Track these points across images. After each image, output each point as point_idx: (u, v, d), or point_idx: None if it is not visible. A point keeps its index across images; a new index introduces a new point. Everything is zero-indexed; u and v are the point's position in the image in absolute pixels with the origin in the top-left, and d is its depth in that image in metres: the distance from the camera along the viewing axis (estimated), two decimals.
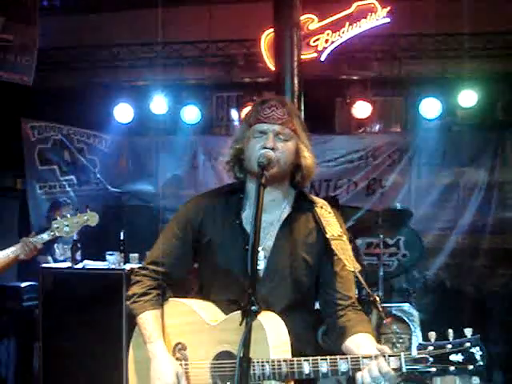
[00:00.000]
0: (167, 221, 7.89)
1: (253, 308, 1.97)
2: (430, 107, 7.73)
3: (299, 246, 2.45)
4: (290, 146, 2.43)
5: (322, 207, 2.52)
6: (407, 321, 5.52)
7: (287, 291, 2.42)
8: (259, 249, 2.39)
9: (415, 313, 5.59)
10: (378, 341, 2.24)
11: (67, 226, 4.03)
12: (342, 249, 2.41)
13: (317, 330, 2.57)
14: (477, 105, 7.63)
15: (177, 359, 2.42)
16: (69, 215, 4.06)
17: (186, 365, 2.40)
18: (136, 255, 5.62)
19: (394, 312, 5.60)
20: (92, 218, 4.16)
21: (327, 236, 2.41)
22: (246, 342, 1.94)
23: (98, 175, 8.16)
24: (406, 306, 5.69)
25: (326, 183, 7.91)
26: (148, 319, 2.46)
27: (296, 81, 5.59)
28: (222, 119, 8.62)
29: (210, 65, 8.33)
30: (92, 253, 5.68)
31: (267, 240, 2.45)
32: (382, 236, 6.60)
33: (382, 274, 6.32)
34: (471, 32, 7.65)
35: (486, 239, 7.87)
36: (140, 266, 2.69)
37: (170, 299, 2.55)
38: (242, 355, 1.94)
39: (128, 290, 2.59)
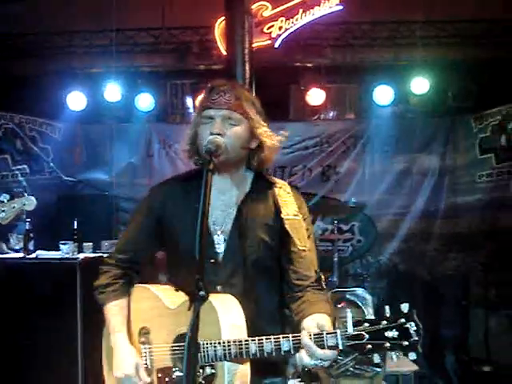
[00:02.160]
0: (122, 209, 7.85)
1: (200, 293, 1.98)
2: (383, 94, 7.82)
3: (258, 228, 2.46)
4: (239, 131, 2.43)
5: (281, 188, 2.55)
6: (360, 305, 5.60)
7: (248, 274, 2.43)
8: (218, 232, 2.46)
9: (368, 297, 5.68)
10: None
11: (3, 211, 3.94)
12: (296, 228, 2.44)
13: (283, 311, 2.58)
14: (429, 92, 7.73)
15: (142, 343, 2.46)
16: (5, 200, 3.97)
17: (149, 348, 2.44)
18: (90, 244, 5.58)
19: (347, 296, 5.68)
20: (29, 203, 4.04)
21: (282, 216, 2.44)
22: (193, 327, 1.96)
23: (52, 164, 8.04)
24: (360, 291, 5.77)
25: (281, 170, 7.94)
26: (112, 310, 2.50)
27: (248, 68, 5.60)
28: (176, 107, 8.55)
29: (163, 52, 8.25)
30: (45, 243, 5.62)
31: (227, 223, 2.47)
32: (336, 222, 6.70)
33: (336, 259, 6.43)
34: (423, 20, 7.75)
35: (438, 224, 8.01)
36: (107, 255, 2.72)
37: (136, 285, 2.58)
38: (189, 340, 1.95)
39: (97, 279, 2.61)
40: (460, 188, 8.05)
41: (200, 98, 2.58)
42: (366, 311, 5.52)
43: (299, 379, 4.93)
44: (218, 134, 2.36)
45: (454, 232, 7.94)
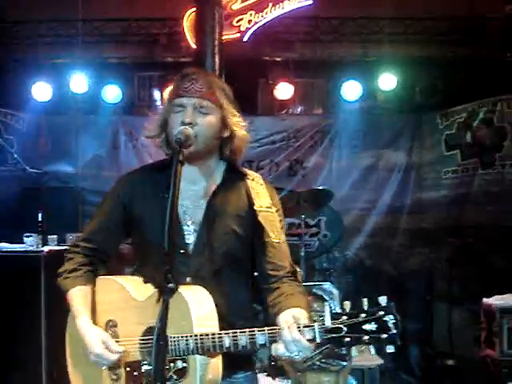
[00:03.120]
0: (88, 202, 7.74)
1: (169, 285, 1.95)
2: (351, 90, 7.86)
3: (229, 219, 2.43)
4: (210, 120, 2.38)
5: (253, 179, 2.52)
6: (327, 299, 5.62)
7: (219, 265, 2.40)
8: (189, 222, 2.42)
9: (335, 291, 5.70)
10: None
11: None
12: (270, 220, 2.41)
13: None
14: (396, 88, 7.80)
15: None
16: None
17: (117, 341, 2.37)
18: (55, 237, 5.49)
19: (314, 291, 5.69)
20: None
21: (255, 208, 2.41)
22: (162, 320, 1.93)
23: (16, 155, 7.90)
24: (327, 285, 5.79)
25: (248, 164, 7.89)
26: (76, 295, 2.44)
27: (217, 60, 5.58)
28: (143, 99, 8.49)
29: (131, 43, 8.19)
30: (9, 235, 5.53)
31: (197, 213, 2.43)
32: (303, 216, 6.69)
33: (303, 254, 6.42)
34: (392, 17, 7.81)
35: (403, 219, 8.08)
36: (73, 242, 2.66)
37: (102, 277, 2.53)
38: (158, 333, 1.93)
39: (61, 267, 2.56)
40: (426, 184, 8.13)
41: (171, 86, 2.53)
42: (332, 305, 5.54)
43: (266, 373, 4.95)
44: (189, 124, 2.32)
45: (419, 227, 8.03)
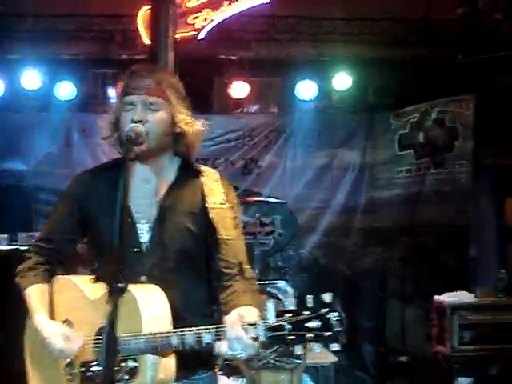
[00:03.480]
0: (41, 200, 7.63)
1: (119, 285, 1.93)
2: (306, 89, 7.89)
3: (184, 216, 2.42)
4: (161, 116, 2.37)
5: (208, 176, 2.51)
6: (281, 297, 5.64)
7: (174, 263, 2.39)
8: (143, 221, 2.42)
9: (289, 289, 5.73)
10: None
11: None
12: (222, 217, 2.41)
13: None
14: (350, 88, 7.87)
15: None
16: None
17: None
18: (5, 236, 5.42)
19: (268, 289, 5.71)
20: None
21: (207, 205, 2.41)
22: (111, 320, 1.91)
23: None
24: (281, 283, 5.82)
25: (204, 162, 7.87)
26: (32, 293, 2.43)
27: (171, 58, 5.55)
28: (97, 96, 8.37)
29: (86, 40, 8.07)
30: None
31: (151, 212, 2.42)
32: (258, 215, 6.72)
33: (258, 252, 6.44)
34: (347, 17, 7.88)
35: (357, 218, 8.15)
36: (32, 243, 2.65)
37: (59, 276, 2.52)
38: (107, 333, 1.91)
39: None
40: (379, 183, 8.21)
41: (120, 84, 2.51)
42: (286, 303, 5.56)
43: (220, 371, 4.94)
44: (139, 121, 2.31)
45: (373, 227, 8.11)
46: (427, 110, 7.67)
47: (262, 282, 5.82)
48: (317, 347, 1.96)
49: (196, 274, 2.47)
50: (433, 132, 7.65)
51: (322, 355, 5.64)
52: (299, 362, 5.31)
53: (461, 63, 7.39)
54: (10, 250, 5.18)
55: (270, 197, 7.38)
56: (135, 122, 2.30)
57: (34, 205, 7.46)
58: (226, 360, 4.94)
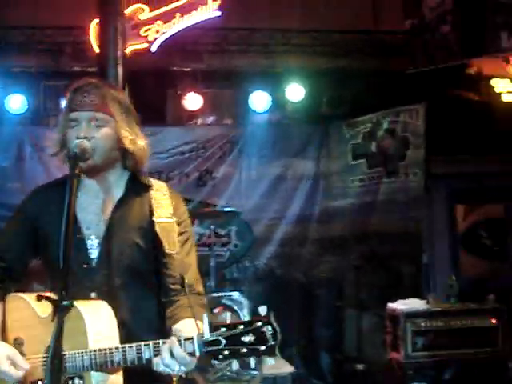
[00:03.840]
0: None
1: (64, 303, 1.92)
2: (260, 100, 7.92)
3: (132, 231, 2.42)
4: (106, 132, 2.37)
5: (157, 190, 2.51)
6: (236, 309, 5.65)
7: (123, 279, 2.38)
8: (92, 236, 2.40)
9: (244, 301, 5.74)
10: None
11: None
12: (167, 231, 2.41)
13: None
14: (304, 99, 7.93)
15: None
16: None
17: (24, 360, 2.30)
18: None
19: (223, 301, 5.71)
20: None
21: (154, 219, 2.41)
22: (56, 337, 1.90)
23: None
24: (236, 295, 5.82)
25: (158, 175, 7.83)
26: None
27: (120, 71, 5.53)
28: (50, 109, 8.28)
29: (36, 52, 7.97)
30: None
31: (100, 227, 2.41)
32: (213, 227, 6.72)
33: (213, 264, 6.44)
34: (299, 29, 7.96)
35: (313, 228, 8.17)
36: None
37: (11, 294, 2.47)
38: (53, 351, 1.89)
39: None
40: (334, 193, 8.27)
41: (65, 99, 2.50)
42: (241, 315, 5.57)
43: None
44: (85, 138, 2.30)
45: (328, 236, 8.14)
46: (379, 119, 7.77)
47: (217, 294, 5.83)
48: (252, 362, 1.94)
49: (146, 289, 2.46)
50: (385, 141, 7.75)
51: (278, 365, 5.67)
52: (256, 373, 5.32)
53: (410, 74, 7.52)
54: None
55: (226, 207, 7.39)
56: (81, 139, 2.30)
57: None
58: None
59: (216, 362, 1.99)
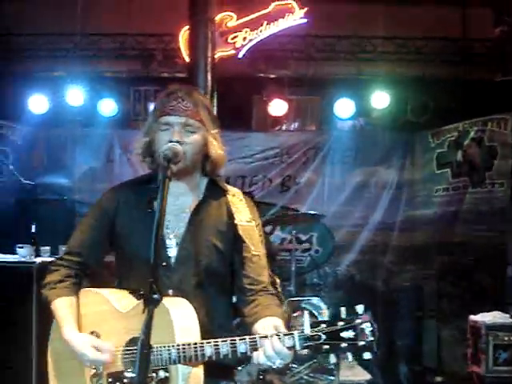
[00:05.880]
0: (81, 215, 7.78)
1: (154, 296, 2.00)
2: (344, 107, 7.94)
3: (211, 233, 2.48)
4: (197, 138, 2.44)
5: (234, 195, 2.58)
6: (316, 314, 5.68)
7: (200, 278, 2.45)
8: (171, 236, 2.48)
9: (323, 306, 5.76)
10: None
11: None
12: (249, 234, 2.48)
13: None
14: (389, 107, 7.90)
15: None
16: None
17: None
18: (47, 248, 5.54)
19: (303, 305, 5.76)
20: None
21: (235, 222, 2.48)
22: (146, 330, 1.98)
23: (11, 167, 7.95)
24: (315, 300, 5.86)
25: (242, 179, 7.98)
26: (61, 305, 2.45)
27: (209, 77, 5.65)
28: (139, 113, 8.54)
29: (128, 58, 8.26)
30: (2, 246, 5.56)
31: (179, 227, 2.48)
32: (294, 232, 6.76)
33: (294, 269, 6.48)
34: (385, 36, 7.93)
35: (394, 236, 8.13)
36: (57, 256, 2.68)
37: (85, 289, 2.55)
38: (142, 342, 1.97)
39: (44, 279, 2.57)
40: (417, 201, 8.19)
41: (156, 102, 2.58)
42: (320, 319, 5.59)
43: None
44: (177, 142, 2.37)
45: (409, 244, 8.07)
46: (465, 128, 7.64)
47: (297, 299, 5.87)
48: (350, 356, 2.01)
49: (221, 290, 2.53)
50: (471, 150, 7.61)
51: (355, 372, 5.66)
52: (333, 378, 5.34)
53: (499, 82, 7.37)
54: (51, 261, 5.29)
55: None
56: (173, 142, 2.37)
57: (74, 219, 7.61)
58: (261, 375, 4.99)
59: (315, 355, 2.06)
